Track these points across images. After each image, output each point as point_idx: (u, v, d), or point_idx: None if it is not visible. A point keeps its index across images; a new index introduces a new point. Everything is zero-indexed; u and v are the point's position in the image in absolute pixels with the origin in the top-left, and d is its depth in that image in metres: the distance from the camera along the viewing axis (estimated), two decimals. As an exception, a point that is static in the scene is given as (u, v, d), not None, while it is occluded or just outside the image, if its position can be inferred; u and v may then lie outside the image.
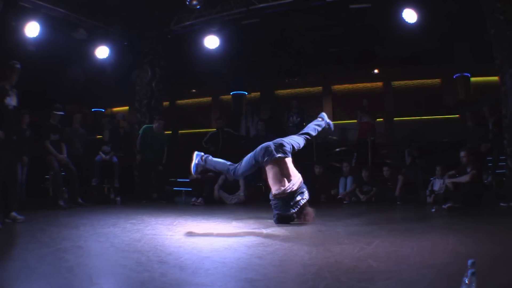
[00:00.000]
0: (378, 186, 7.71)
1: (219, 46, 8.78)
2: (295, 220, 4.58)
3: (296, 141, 4.87)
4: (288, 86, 15.09)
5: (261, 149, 4.69)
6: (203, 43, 8.75)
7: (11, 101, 4.77)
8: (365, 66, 13.60)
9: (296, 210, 4.53)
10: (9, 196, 4.75)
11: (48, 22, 7.53)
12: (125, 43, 9.30)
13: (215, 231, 4.28)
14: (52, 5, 7.48)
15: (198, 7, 7.68)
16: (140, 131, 8.40)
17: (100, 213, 5.83)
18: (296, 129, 9.76)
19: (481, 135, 7.87)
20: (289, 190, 4.54)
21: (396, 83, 14.43)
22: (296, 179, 4.63)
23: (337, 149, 10.51)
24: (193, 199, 7.67)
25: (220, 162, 4.93)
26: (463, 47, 12.12)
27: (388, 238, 3.57)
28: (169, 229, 4.36)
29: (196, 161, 4.87)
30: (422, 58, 12.09)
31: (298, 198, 4.54)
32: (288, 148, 4.71)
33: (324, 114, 5.37)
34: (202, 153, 4.94)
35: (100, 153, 7.98)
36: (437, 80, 14.07)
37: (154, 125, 8.39)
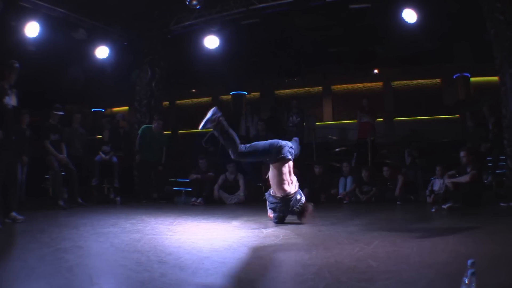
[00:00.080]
0: (378, 186, 7.71)
1: (219, 46, 8.78)
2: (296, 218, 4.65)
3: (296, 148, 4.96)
4: (288, 86, 15.09)
5: (278, 145, 4.64)
6: (203, 43, 8.75)
7: (10, 100, 4.75)
8: (365, 66, 13.60)
9: (299, 208, 4.60)
10: (9, 196, 4.75)
11: (48, 22, 7.52)
12: (125, 43, 9.30)
13: (215, 231, 4.28)
14: (52, 5, 7.47)
15: (198, 7, 7.68)
16: (139, 131, 8.41)
17: (100, 213, 5.83)
18: (296, 129, 9.80)
19: (481, 135, 7.86)
20: (293, 192, 4.61)
21: (396, 83, 14.44)
22: (295, 181, 4.75)
23: (337, 149, 10.50)
24: (193, 199, 7.67)
25: (234, 134, 4.66)
26: (463, 47, 12.12)
27: (387, 238, 3.57)
28: (169, 229, 4.37)
29: (210, 115, 4.50)
30: (422, 58, 12.09)
31: (299, 197, 4.63)
32: (296, 151, 4.83)
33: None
34: (221, 113, 4.56)
35: (100, 153, 7.98)
36: (437, 80, 14.07)
37: (153, 125, 8.40)
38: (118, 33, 8.97)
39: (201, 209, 6.87)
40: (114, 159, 7.98)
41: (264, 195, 4.95)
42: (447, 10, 8.79)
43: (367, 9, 8.01)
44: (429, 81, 14.11)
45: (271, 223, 4.64)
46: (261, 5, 7.97)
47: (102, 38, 8.64)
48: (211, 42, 8.70)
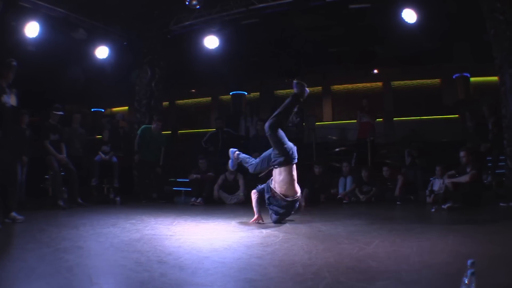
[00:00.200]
0: (377, 186, 7.71)
1: (219, 46, 8.78)
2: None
3: None
4: (287, 86, 15.05)
5: (290, 149, 4.71)
6: (203, 43, 8.75)
7: (9, 99, 4.72)
8: (364, 66, 13.60)
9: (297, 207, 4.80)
10: (8, 196, 4.74)
11: (48, 22, 7.52)
12: (125, 43, 9.30)
13: (214, 231, 4.28)
14: (52, 5, 7.47)
15: (197, 7, 7.69)
16: (139, 131, 8.41)
17: (99, 213, 5.83)
18: (295, 129, 9.80)
19: (480, 135, 7.86)
20: (299, 194, 4.72)
21: (395, 83, 14.45)
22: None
23: (337, 149, 10.50)
24: (193, 199, 7.67)
25: (247, 157, 5.22)
26: (462, 47, 12.12)
27: (387, 238, 3.57)
28: (168, 229, 4.36)
29: (234, 157, 5.26)
30: (421, 58, 12.10)
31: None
32: None
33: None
34: (236, 149, 5.33)
35: (100, 153, 7.97)
36: (437, 80, 14.09)
37: (152, 126, 8.40)
38: (118, 33, 8.97)
39: (200, 209, 6.87)
40: (114, 159, 7.98)
41: (266, 200, 4.77)
42: (447, 10, 8.80)
43: (367, 9, 8.02)
44: (429, 81, 14.12)
45: (271, 223, 4.64)
46: (261, 5, 7.97)
47: (102, 38, 8.64)
48: (211, 42, 8.69)
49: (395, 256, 2.90)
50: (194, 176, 7.97)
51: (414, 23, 7.57)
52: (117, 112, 14.37)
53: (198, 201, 7.58)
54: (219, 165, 8.22)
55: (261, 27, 9.29)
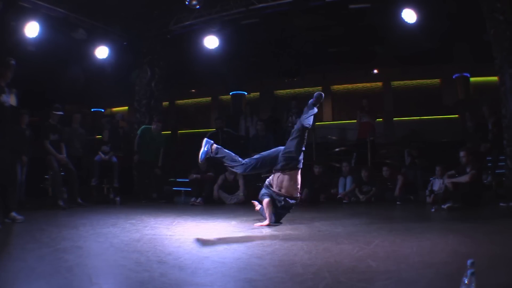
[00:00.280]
0: (377, 186, 7.71)
1: (219, 46, 8.78)
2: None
3: None
4: (287, 86, 15.09)
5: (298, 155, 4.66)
6: (203, 43, 8.75)
7: (8, 98, 4.70)
8: (364, 66, 13.59)
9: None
10: (8, 196, 4.74)
11: (48, 22, 7.52)
12: (125, 43, 9.30)
13: (214, 231, 4.28)
14: (52, 5, 7.47)
15: (197, 7, 7.69)
16: (139, 131, 8.42)
17: (99, 213, 5.83)
18: (295, 129, 9.78)
19: (480, 135, 7.87)
20: (298, 195, 4.73)
21: (395, 83, 14.43)
22: None
23: (337, 149, 10.50)
24: (193, 199, 7.67)
25: (231, 155, 4.72)
26: (462, 47, 12.11)
27: (387, 238, 3.57)
28: (168, 229, 4.36)
29: (206, 149, 4.65)
30: (421, 58, 12.08)
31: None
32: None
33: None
34: (212, 141, 4.73)
35: (100, 153, 7.97)
36: (437, 80, 14.07)
37: (152, 126, 8.40)
38: (118, 33, 8.97)
39: (200, 209, 6.87)
40: (114, 159, 7.98)
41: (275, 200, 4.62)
42: (447, 10, 8.79)
43: (366, 9, 8.01)
44: (428, 81, 14.10)
45: (271, 223, 4.64)
46: (261, 5, 7.97)
47: (102, 38, 8.64)
48: (211, 42, 8.69)
49: (395, 256, 2.89)
50: (194, 176, 7.97)
51: (414, 23, 7.57)
52: (117, 112, 14.36)
53: (198, 201, 7.58)
54: (219, 165, 8.20)
55: (261, 27, 9.29)
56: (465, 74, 13.13)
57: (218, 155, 4.68)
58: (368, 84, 14.63)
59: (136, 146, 8.28)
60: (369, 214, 5.89)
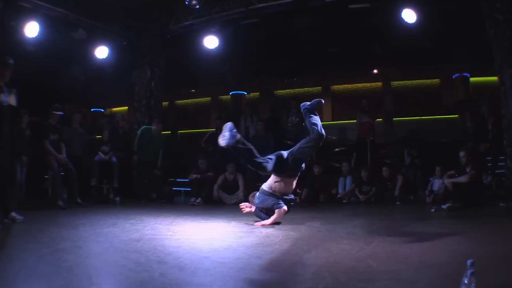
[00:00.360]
0: (377, 186, 7.71)
1: (219, 46, 8.78)
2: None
3: None
4: (287, 86, 15.10)
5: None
6: (203, 43, 8.75)
7: (6, 98, 4.67)
8: (364, 66, 13.61)
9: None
10: (8, 196, 4.74)
11: (48, 22, 7.52)
12: (125, 43, 9.30)
13: (214, 231, 4.28)
14: (52, 5, 7.47)
15: (197, 7, 7.69)
16: (138, 132, 8.43)
17: (99, 213, 5.83)
18: (295, 129, 9.79)
19: (480, 135, 7.87)
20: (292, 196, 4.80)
21: (395, 83, 14.45)
22: None
23: (337, 149, 10.51)
24: (192, 199, 7.67)
25: (252, 149, 4.36)
26: (462, 48, 12.13)
27: (387, 238, 3.57)
28: (168, 229, 4.36)
29: (232, 133, 4.20)
30: (421, 58, 12.10)
31: None
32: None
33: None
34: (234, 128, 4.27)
35: (99, 153, 7.98)
36: (437, 80, 14.09)
37: (152, 127, 8.41)
38: (118, 33, 8.97)
39: (200, 209, 6.87)
40: (114, 159, 7.98)
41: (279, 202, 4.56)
42: (447, 10, 8.80)
43: (366, 9, 8.02)
44: (428, 81, 14.12)
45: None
46: (261, 5, 7.98)
47: (102, 38, 8.65)
48: (211, 42, 8.70)
49: (395, 256, 2.89)
50: (194, 176, 7.97)
51: (414, 23, 7.57)
52: (117, 112, 14.38)
53: (197, 201, 7.58)
54: (218, 165, 8.22)
55: (261, 27, 9.29)
56: (465, 74, 13.15)
57: (243, 145, 4.29)
58: (368, 84, 14.65)
59: (136, 146, 8.29)
60: (369, 214, 5.90)
